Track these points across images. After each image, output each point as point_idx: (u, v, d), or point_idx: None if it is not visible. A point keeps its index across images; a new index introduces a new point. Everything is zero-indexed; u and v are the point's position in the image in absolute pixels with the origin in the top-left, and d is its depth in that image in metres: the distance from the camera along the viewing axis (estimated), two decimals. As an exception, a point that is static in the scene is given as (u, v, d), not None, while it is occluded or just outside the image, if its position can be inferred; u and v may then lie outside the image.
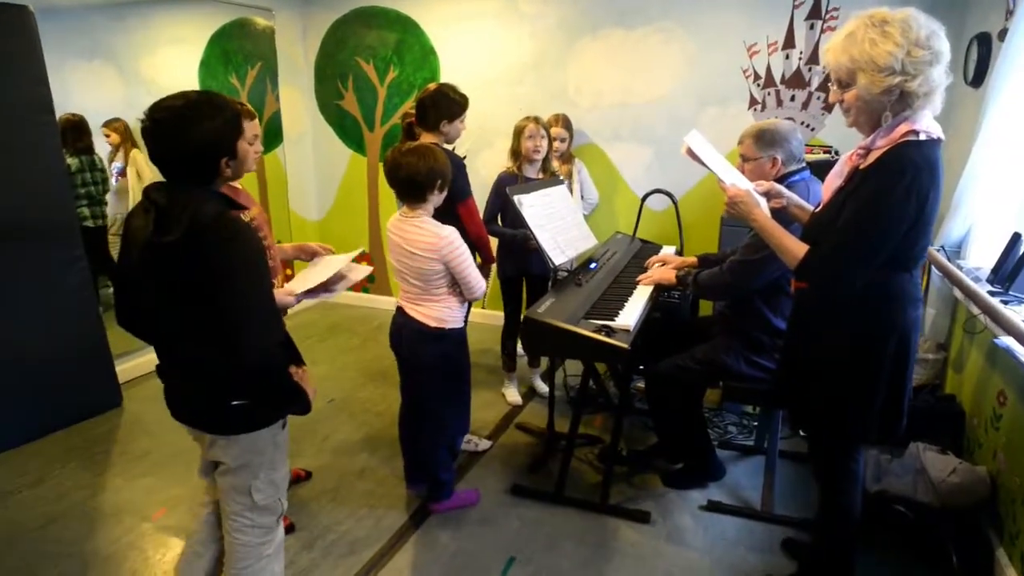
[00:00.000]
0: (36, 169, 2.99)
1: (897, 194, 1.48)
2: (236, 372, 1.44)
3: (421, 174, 2.14)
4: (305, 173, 5.10)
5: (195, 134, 1.37)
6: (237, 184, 2.14)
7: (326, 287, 1.88)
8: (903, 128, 1.51)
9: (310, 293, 1.87)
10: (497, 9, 4.18)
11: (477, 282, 2.24)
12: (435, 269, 2.18)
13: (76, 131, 3.66)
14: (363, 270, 2.00)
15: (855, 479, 1.83)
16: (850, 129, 1.67)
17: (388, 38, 4.56)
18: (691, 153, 1.99)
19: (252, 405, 1.51)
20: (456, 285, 2.25)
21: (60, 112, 3.20)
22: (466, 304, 2.37)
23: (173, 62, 4.26)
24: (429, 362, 2.30)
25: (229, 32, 4.43)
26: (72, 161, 3.61)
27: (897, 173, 1.48)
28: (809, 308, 1.76)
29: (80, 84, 3.70)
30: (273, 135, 4.77)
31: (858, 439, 1.78)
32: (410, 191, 2.19)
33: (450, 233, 2.17)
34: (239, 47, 4.50)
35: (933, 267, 2.74)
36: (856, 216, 1.54)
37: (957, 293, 2.59)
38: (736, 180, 1.95)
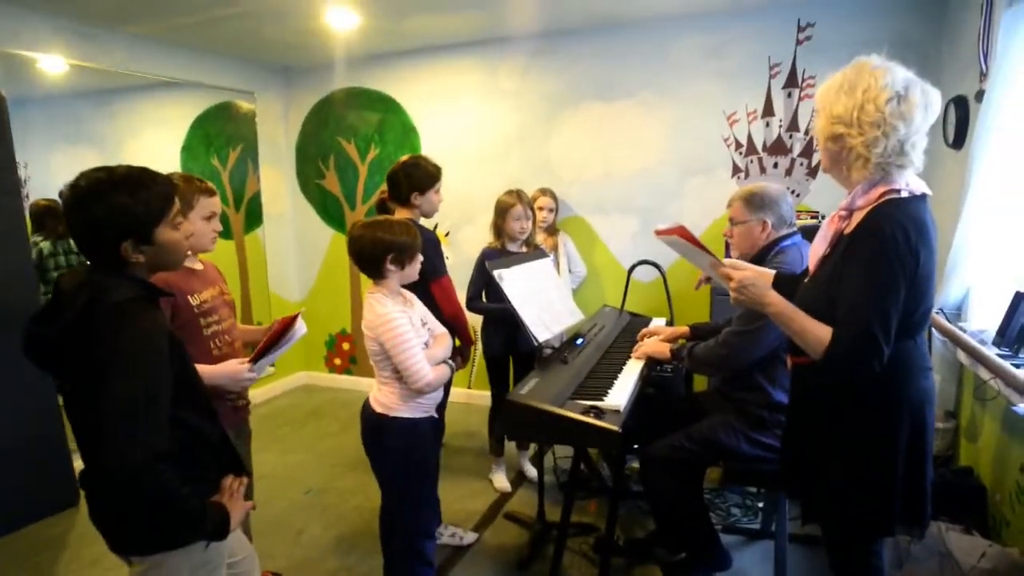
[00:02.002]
0: (2, 254, 2.88)
1: (894, 255, 1.38)
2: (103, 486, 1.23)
3: (368, 246, 2.00)
4: (286, 253, 5.02)
5: (96, 211, 1.24)
6: (197, 263, 2.02)
7: (276, 347, 1.90)
8: (881, 188, 1.45)
9: (262, 357, 1.88)
10: (477, 86, 4.22)
11: (415, 371, 1.98)
12: (375, 350, 2.03)
13: (53, 215, 3.59)
14: (303, 326, 1.97)
15: (878, 576, 1.64)
16: (836, 194, 1.59)
17: (369, 118, 4.59)
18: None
19: (143, 525, 1.30)
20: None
21: (43, 196, 3.16)
22: (425, 393, 2.09)
23: (156, 146, 4.25)
24: (374, 452, 2.12)
25: (212, 115, 4.44)
26: (45, 244, 3.52)
27: (887, 236, 1.38)
28: (811, 386, 1.62)
29: (64, 169, 3.65)
30: (254, 216, 4.72)
31: (879, 531, 1.58)
32: (363, 266, 2.06)
33: (389, 312, 1.98)
34: (221, 130, 4.51)
35: (935, 331, 2.63)
36: (866, 288, 1.40)
37: (962, 357, 2.46)
38: (735, 262, 1.78)
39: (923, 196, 1.46)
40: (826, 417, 1.56)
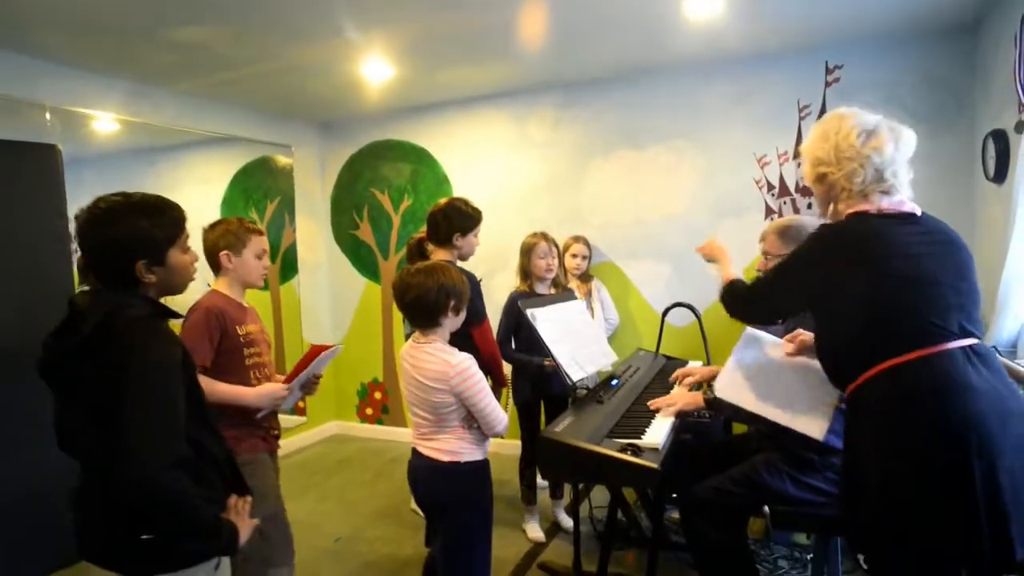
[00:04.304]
0: (47, 295, 2.96)
1: (804, 253, 1.60)
2: (120, 500, 1.23)
3: (431, 294, 1.92)
4: (320, 303, 5.08)
5: (113, 231, 1.30)
6: (245, 301, 2.14)
7: (309, 367, 2.08)
8: (852, 210, 1.56)
9: (293, 377, 2.05)
10: (508, 137, 4.31)
11: (497, 415, 1.95)
12: (446, 402, 1.92)
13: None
14: (338, 348, 2.19)
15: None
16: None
17: (403, 169, 4.70)
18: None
19: (158, 540, 1.29)
20: (473, 419, 1.97)
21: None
22: (487, 438, 2.06)
23: (197, 200, 4.39)
24: (444, 502, 2.01)
25: (250, 170, 4.60)
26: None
27: (817, 235, 1.58)
28: (856, 420, 1.55)
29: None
30: (289, 266, 4.81)
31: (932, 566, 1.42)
32: (420, 314, 1.97)
33: (463, 360, 1.91)
34: (259, 183, 4.65)
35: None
36: (778, 265, 1.70)
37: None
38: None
39: (901, 214, 1.53)
40: (866, 445, 1.50)
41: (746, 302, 1.87)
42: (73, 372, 1.28)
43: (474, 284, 2.51)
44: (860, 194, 1.55)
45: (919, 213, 1.55)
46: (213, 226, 2.13)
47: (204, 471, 1.37)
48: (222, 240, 2.08)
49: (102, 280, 1.35)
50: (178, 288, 1.47)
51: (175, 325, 1.53)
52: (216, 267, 2.10)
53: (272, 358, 2.19)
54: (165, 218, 1.37)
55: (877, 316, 1.47)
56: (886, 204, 1.54)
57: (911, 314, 1.45)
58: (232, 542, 1.36)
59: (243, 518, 1.42)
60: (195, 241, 2.02)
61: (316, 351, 2.08)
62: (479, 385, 1.92)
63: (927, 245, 1.50)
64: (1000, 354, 2.42)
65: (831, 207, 1.64)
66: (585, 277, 3.75)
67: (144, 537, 1.28)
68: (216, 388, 1.90)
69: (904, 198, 1.56)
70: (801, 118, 3.54)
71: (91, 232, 1.32)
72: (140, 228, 1.32)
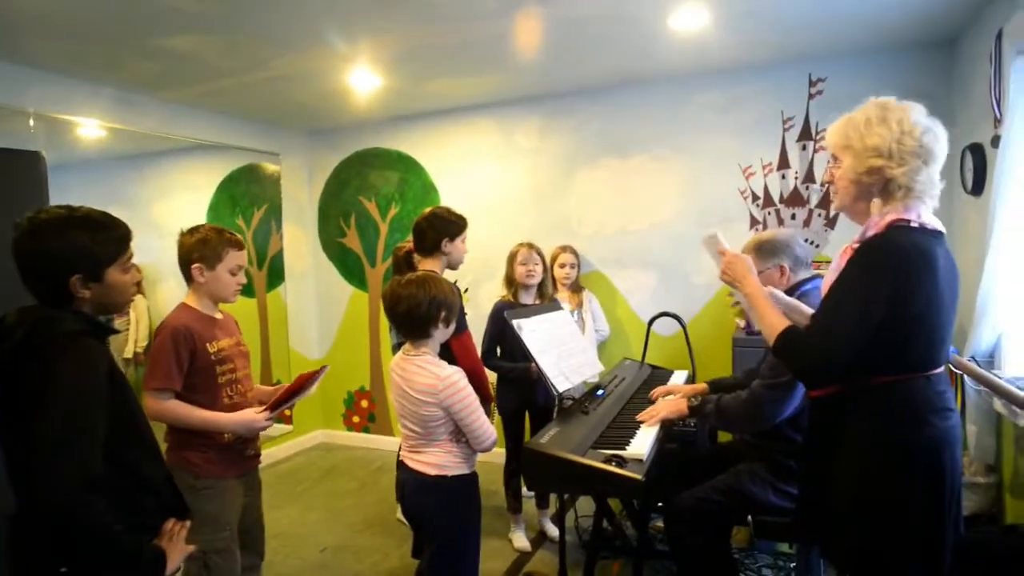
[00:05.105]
0: (27, 304, 2.94)
1: (878, 271, 1.40)
2: (31, 527, 1.18)
3: (423, 306, 1.92)
4: (306, 311, 5.06)
5: (53, 243, 1.27)
6: (217, 312, 2.05)
7: (293, 397, 1.97)
8: (892, 216, 1.46)
9: (277, 406, 1.95)
10: (495, 145, 4.33)
11: (485, 431, 1.95)
12: (434, 415, 1.92)
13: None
14: (324, 369, 2.08)
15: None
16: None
17: (390, 177, 4.70)
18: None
19: (76, 572, 1.22)
20: (461, 433, 1.97)
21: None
22: (475, 452, 2.05)
23: (184, 207, 4.37)
24: (431, 516, 2.00)
25: (237, 177, 4.58)
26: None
27: (880, 252, 1.42)
28: (825, 420, 1.58)
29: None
30: (276, 274, 4.79)
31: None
32: (411, 326, 1.97)
33: (452, 374, 1.92)
34: (246, 190, 4.64)
35: (967, 378, 2.55)
36: (835, 295, 1.46)
37: (999, 406, 2.37)
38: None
39: (935, 231, 1.47)
40: (837, 453, 1.51)
41: (824, 355, 1.44)
42: None
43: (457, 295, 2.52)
44: (916, 196, 1.45)
45: (944, 231, 1.51)
46: (191, 232, 2.00)
47: (133, 495, 1.32)
48: (196, 252, 1.95)
49: (34, 292, 1.32)
50: (116, 307, 1.43)
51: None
52: (188, 278, 1.99)
53: (250, 371, 2.10)
54: (108, 235, 1.34)
55: (897, 335, 1.41)
56: (926, 216, 1.47)
57: (925, 338, 1.44)
58: (156, 570, 1.29)
59: (176, 543, 1.37)
60: (173, 246, 1.99)
61: (302, 380, 1.98)
62: (468, 400, 1.92)
63: (949, 272, 1.47)
64: (979, 365, 2.47)
65: (863, 204, 1.52)
66: (576, 288, 3.76)
67: (62, 570, 1.22)
68: (193, 415, 1.84)
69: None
70: (785, 130, 3.58)
71: (29, 242, 1.29)
72: (79, 242, 1.29)
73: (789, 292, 2.12)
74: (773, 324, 1.55)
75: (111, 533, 1.19)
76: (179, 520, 1.43)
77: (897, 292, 1.38)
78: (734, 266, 1.73)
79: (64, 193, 3.17)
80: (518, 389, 3.09)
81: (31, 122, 3.24)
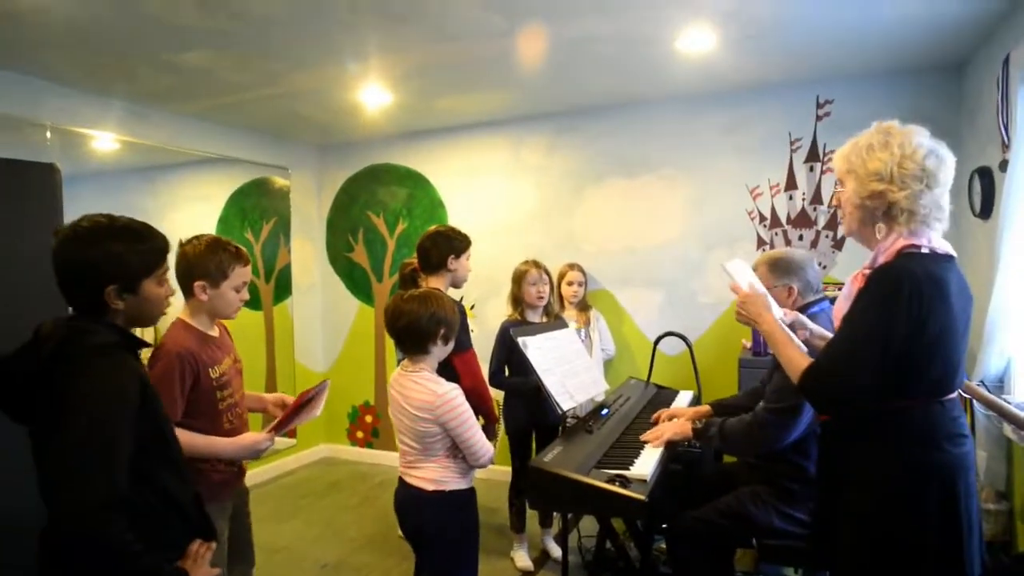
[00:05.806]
0: (44, 315, 2.93)
1: (894, 303, 1.38)
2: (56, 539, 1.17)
3: (422, 321, 1.94)
4: (313, 324, 5.08)
5: (91, 252, 1.26)
6: (213, 328, 1.95)
7: (295, 417, 1.89)
8: (902, 242, 1.45)
9: (281, 426, 1.86)
10: (503, 162, 4.35)
11: (482, 447, 1.95)
12: (431, 431, 1.92)
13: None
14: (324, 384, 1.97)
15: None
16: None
17: (398, 193, 4.73)
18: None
19: None
20: (458, 448, 1.96)
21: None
22: (472, 467, 2.04)
23: (194, 219, 4.40)
24: (429, 531, 1.99)
25: (247, 190, 4.62)
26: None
27: (892, 280, 1.40)
28: (836, 445, 1.57)
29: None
30: (283, 288, 4.81)
31: None
32: (410, 341, 1.98)
33: (449, 391, 1.92)
34: (256, 204, 4.68)
35: (976, 404, 2.52)
36: (851, 325, 1.45)
37: (1009, 432, 2.35)
38: (754, 283, 1.84)
39: (947, 256, 1.46)
40: (850, 478, 1.50)
41: (848, 391, 1.46)
42: (29, 399, 1.23)
43: (460, 312, 2.52)
44: (921, 220, 1.45)
45: (955, 255, 1.51)
46: (192, 243, 1.90)
47: (160, 513, 1.31)
48: (199, 268, 1.85)
49: (69, 301, 1.31)
50: (148, 320, 1.41)
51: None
52: (188, 292, 1.89)
53: (243, 388, 2.03)
54: (144, 245, 1.33)
55: (911, 361, 1.41)
56: (936, 240, 1.47)
57: (940, 364, 1.43)
58: None
59: (200, 565, 1.35)
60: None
61: (303, 397, 1.90)
62: (464, 416, 1.93)
63: (962, 296, 1.46)
64: (988, 390, 2.44)
65: (875, 230, 1.51)
66: (584, 306, 3.74)
67: None
68: (196, 443, 1.75)
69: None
70: (792, 151, 3.59)
71: (67, 249, 1.28)
72: (115, 252, 1.27)
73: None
74: (795, 361, 1.55)
75: (130, 552, 1.16)
76: (205, 541, 1.41)
77: (911, 319, 1.37)
78: (747, 305, 1.74)
79: (77, 204, 3.19)
80: (526, 407, 3.07)
81: (48, 134, 3.28)
